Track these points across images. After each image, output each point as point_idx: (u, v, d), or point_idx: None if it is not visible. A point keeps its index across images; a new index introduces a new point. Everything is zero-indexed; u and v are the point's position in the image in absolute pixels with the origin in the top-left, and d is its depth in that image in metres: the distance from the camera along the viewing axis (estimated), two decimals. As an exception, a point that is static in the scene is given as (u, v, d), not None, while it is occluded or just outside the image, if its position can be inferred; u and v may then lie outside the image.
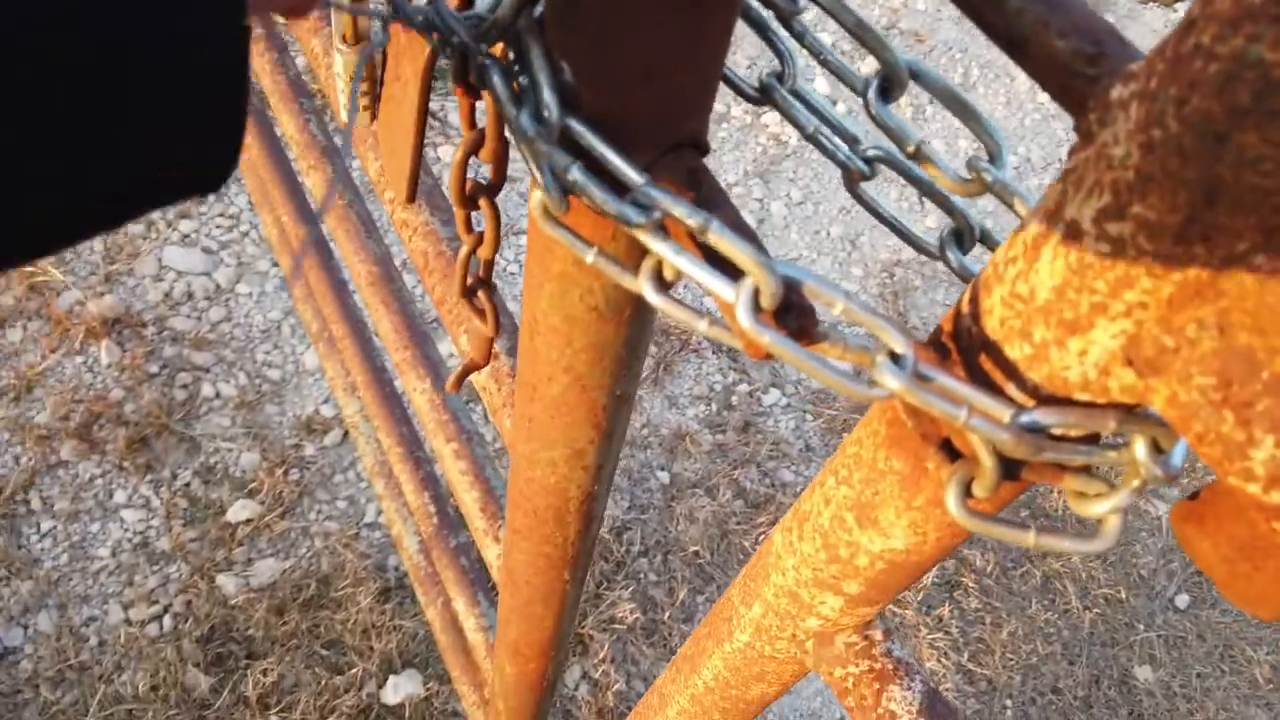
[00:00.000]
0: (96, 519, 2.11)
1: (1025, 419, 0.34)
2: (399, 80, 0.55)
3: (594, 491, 0.67)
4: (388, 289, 1.22)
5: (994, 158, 0.42)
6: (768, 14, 0.45)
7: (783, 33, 0.46)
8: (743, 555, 2.36)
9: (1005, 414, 0.34)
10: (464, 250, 0.55)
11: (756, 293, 0.35)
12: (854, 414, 2.62)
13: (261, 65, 1.39)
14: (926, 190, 0.44)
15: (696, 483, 2.44)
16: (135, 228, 2.52)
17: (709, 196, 0.40)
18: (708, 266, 0.36)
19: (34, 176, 0.29)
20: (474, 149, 0.48)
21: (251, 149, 1.81)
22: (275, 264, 2.57)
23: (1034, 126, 3.58)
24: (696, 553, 2.33)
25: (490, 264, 0.57)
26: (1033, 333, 0.34)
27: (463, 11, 0.38)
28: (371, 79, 0.57)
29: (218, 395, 2.34)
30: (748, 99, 0.46)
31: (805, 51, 0.46)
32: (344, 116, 0.55)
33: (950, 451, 0.39)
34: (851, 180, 0.46)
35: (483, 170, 0.50)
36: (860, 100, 0.42)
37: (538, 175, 0.38)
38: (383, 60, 0.57)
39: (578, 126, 0.37)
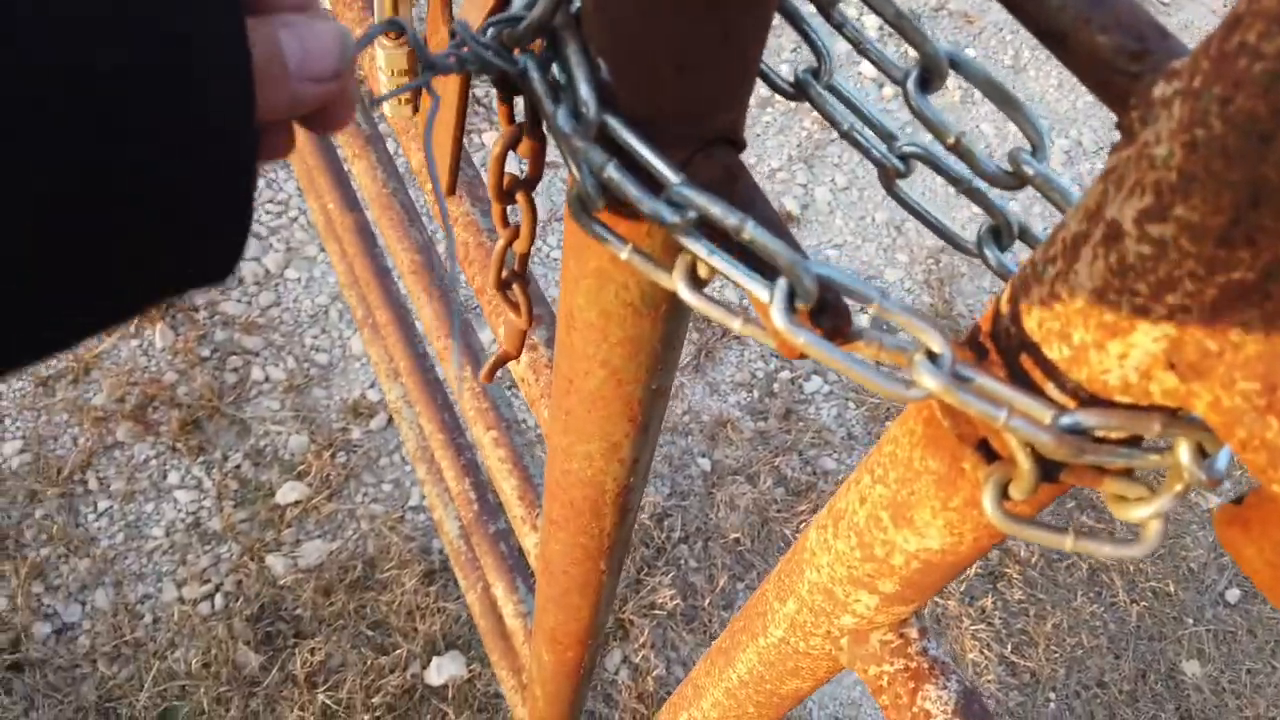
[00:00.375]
0: (151, 499, 2.16)
1: (1067, 420, 0.33)
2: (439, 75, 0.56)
3: (630, 484, 0.68)
4: (429, 277, 1.23)
5: (1036, 150, 0.42)
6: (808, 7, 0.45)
7: (822, 25, 0.45)
8: (783, 543, 2.36)
9: (1046, 415, 0.34)
10: (500, 244, 0.56)
11: (792, 292, 0.35)
12: (897, 403, 2.59)
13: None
14: (964, 186, 0.44)
15: (737, 470, 2.44)
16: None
17: (744, 194, 0.40)
18: (742, 266, 0.36)
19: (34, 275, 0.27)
20: (512, 144, 0.48)
21: (298, 135, 1.83)
22: (323, 249, 2.60)
23: (1086, 110, 3.50)
24: (737, 540, 2.33)
25: (525, 257, 0.58)
26: (1072, 335, 0.33)
27: (497, 14, 0.38)
28: (413, 72, 0.57)
29: (267, 379, 2.38)
30: (783, 94, 0.45)
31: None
32: (387, 111, 0.56)
33: (987, 453, 0.39)
34: (888, 178, 0.45)
35: (520, 159, 0.51)
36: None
37: (575, 172, 0.39)
38: (422, 54, 0.57)
39: (614, 123, 0.37)
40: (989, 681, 2.25)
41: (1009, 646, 2.30)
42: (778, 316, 0.34)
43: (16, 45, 0.25)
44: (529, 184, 0.52)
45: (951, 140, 0.41)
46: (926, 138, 3.14)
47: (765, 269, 0.37)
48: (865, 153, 0.44)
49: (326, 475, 2.24)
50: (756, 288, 0.36)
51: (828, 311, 0.36)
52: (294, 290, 2.54)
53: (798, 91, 0.45)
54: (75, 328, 0.30)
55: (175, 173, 0.29)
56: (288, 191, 2.69)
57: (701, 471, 2.42)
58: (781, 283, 0.35)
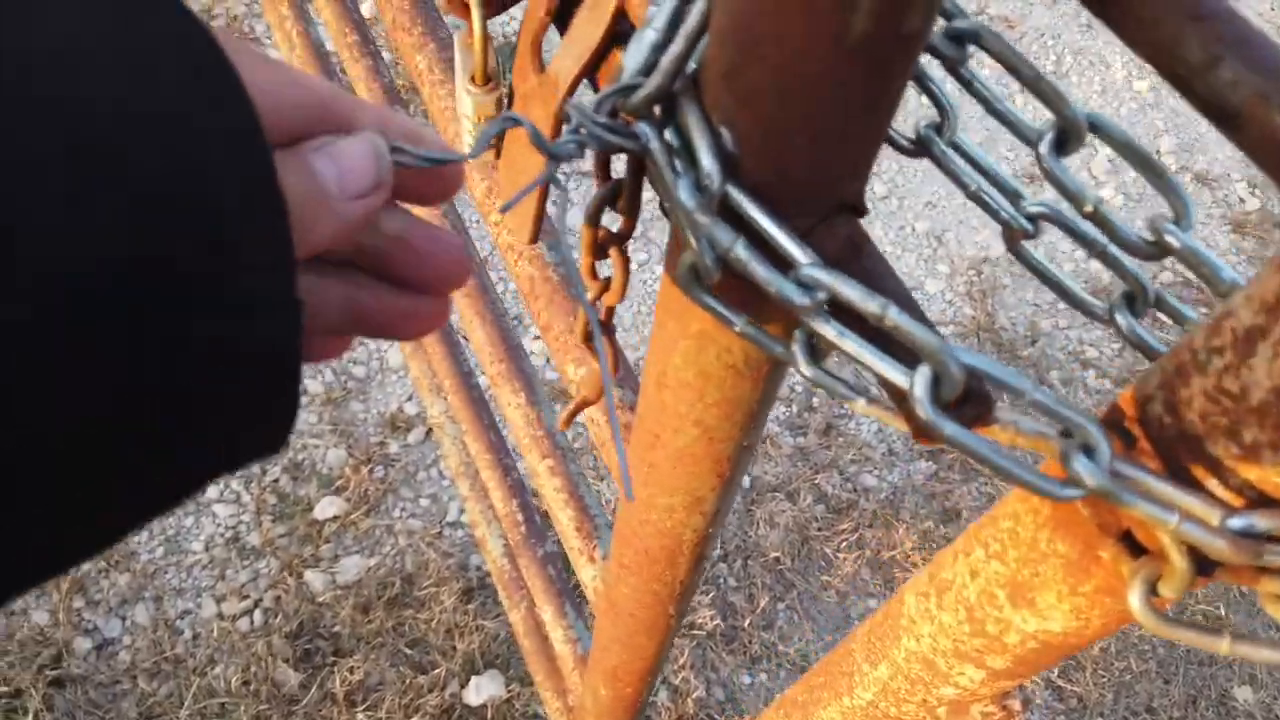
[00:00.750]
0: (190, 513, 2.17)
1: (1238, 523, 0.31)
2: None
3: (709, 534, 0.66)
4: (483, 301, 1.22)
5: (1179, 219, 0.39)
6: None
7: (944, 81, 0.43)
8: (824, 561, 2.33)
9: (1214, 516, 0.31)
10: (589, 297, 0.54)
11: (936, 380, 0.33)
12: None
13: (356, 73, 1.39)
14: (1097, 251, 0.41)
15: (777, 487, 2.41)
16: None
17: (870, 267, 0.38)
18: (875, 349, 0.34)
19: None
20: (609, 200, 0.46)
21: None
22: (360, 262, 2.60)
23: (1129, 116, 3.45)
24: (777, 559, 2.30)
25: (612, 310, 0.56)
26: (1243, 433, 0.31)
27: (609, 87, 0.36)
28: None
29: (305, 391, 2.38)
30: (903, 152, 0.43)
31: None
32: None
33: (1131, 544, 0.36)
34: (1013, 239, 0.43)
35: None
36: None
37: (693, 244, 0.37)
38: (509, 99, 0.56)
39: (737, 195, 0.35)
40: (1036, 706, 2.20)
41: (1056, 671, 2.26)
42: (925, 408, 0.32)
43: (62, 234, 0.23)
44: (622, 238, 0.50)
45: (1089, 208, 0.39)
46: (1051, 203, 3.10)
47: (899, 350, 0.35)
48: (992, 213, 0.42)
49: (364, 490, 2.24)
50: (895, 374, 0.34)
51: (971, 400, 0.34)
52: (332, 303, 2.54)
53: (919, 148, 0.43)
54: (98, 537, 0.28)
55: (211, 345, 0.27)
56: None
57: (740, 488, 2.40)
58: (926, 370, 0.33)
